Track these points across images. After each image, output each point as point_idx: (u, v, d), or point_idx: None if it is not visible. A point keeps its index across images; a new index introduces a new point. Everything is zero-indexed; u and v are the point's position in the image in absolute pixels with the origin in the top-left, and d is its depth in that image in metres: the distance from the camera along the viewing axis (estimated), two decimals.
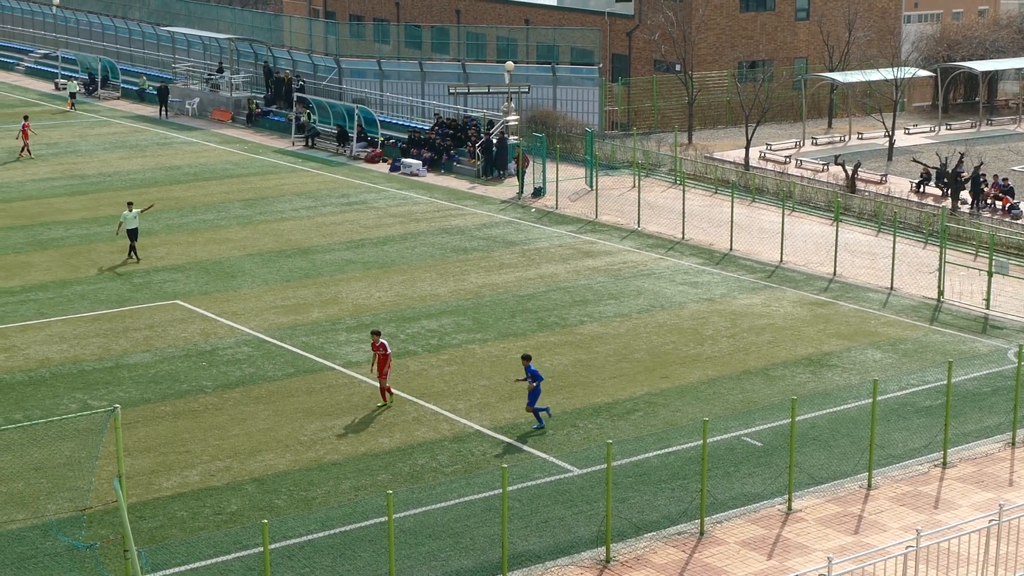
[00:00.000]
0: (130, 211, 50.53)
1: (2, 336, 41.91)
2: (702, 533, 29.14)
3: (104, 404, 35.50)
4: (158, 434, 34.20)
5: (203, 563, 27.55)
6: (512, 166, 65.45)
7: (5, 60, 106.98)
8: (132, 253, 50.43)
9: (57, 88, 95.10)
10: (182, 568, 27.39)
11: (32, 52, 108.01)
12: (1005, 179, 61.37)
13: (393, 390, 36.24)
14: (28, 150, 70.38)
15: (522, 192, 62.24)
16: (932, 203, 60.39)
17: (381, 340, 35.85)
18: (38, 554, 27.83)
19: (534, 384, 34.42)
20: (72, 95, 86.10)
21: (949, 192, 60.60)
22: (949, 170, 60.84)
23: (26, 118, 72.07)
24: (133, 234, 50.43)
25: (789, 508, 30.32)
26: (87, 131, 78.72)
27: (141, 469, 31.96)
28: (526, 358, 34.90)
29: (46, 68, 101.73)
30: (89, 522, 28.94)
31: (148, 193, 61.08)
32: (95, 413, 31.60)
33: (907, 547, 26.18)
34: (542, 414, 34.72)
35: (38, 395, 36.77)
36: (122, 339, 41.68)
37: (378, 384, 36.17)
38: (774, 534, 29.15)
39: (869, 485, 31.56)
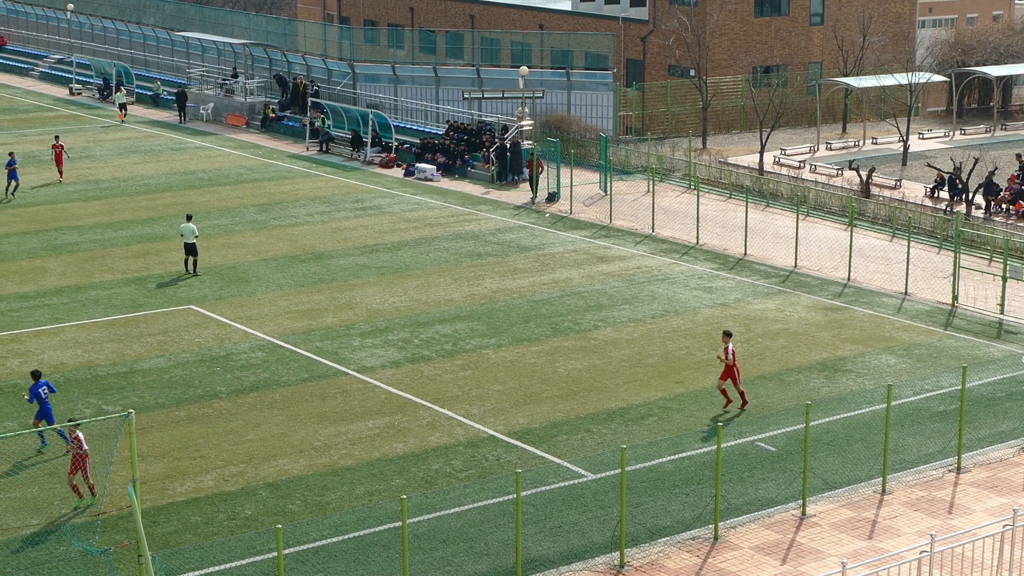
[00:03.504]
0: (188, 223, 50.10)
1: (17, 341, 42.01)
2: (716, 538, 29.12)
3: (118, 409, 35.56)
4: (172, 439, 34.25)
5: (217, 568, 27.59)
6: (526, 171, 65.42)
7: (20, 65, 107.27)
8: (187, 266, 49.73)
9: (72, 93, 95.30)
10: (196, 573, 27.42)
11: (46, 57, 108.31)
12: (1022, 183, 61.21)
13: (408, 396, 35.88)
14: (61, 173, 66.27)
15: (535, 197, 62.22)
16: (946, 208, 60.23)
17: None
18: (52, 559, 27.88)
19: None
20: (122, 106, 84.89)
21: (963, 197, 60.45)
22: (964, 176, 60.71)
23: (57, 138, 68.06)
24: (190, 249, 49.59)
25: (803, 513, 30.28)
26: (102, 136, 78.87)
27: (155, 474, 32.00)
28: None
29: (60, 73, 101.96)
30: (103, 527, 29.01)
31: (163, 198, 61.18)
32: (109, 418, 31.70)
33: (921, 552, 26.15)
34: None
35: (53, 400, 36.78)
36: (136, 344, 41.75)
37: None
38: (788, 539, 29.12)
39: (883, 490, 31.51)
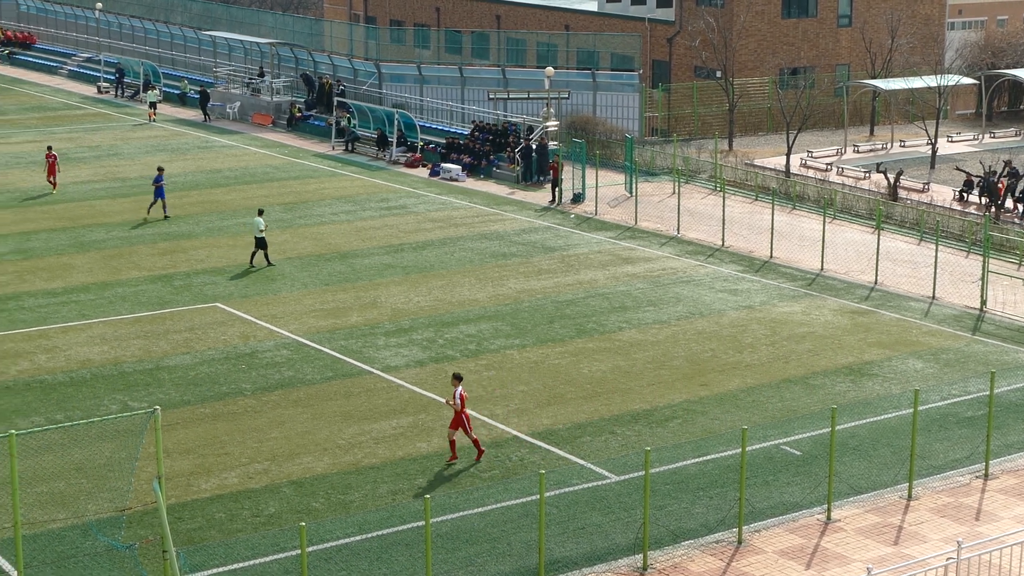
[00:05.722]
0: (259, 217, 50.62)
1: (44, 337, 42.15)
2: (740, 542, 29.02)
3: (144, 405, 35.65)
4: (197, 436, 34.32)
5: (241, 565, 27.61)
6: (551, 173, 65.38)
7: (49, 64, 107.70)
8: (262, 259, 50.42)
9: (100, 91, 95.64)
10: (220, 569, 27.46)
11: (75, 56, 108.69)
12: None
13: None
14: (53, 183, 63.47)
15: (558, 200, 62.08)
16: (975, 211, 60.00)
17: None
18: (78, 554, 27.95)
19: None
20: (152, 104, 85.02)
21: (991, 201, 60.21)
22: (993, 179, 60.46)
23: (50, 148, 65.04)
24: (260, 243, 50.27)
25: (828, 518, 30.16)
26: (128, 134, 79.10)
27: (180, 471, 32.06)
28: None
29: (89, 72, 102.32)
30: (128, 523, 29.06)
31: (189, 196, 61.33)
32: (135, 414, 31.78)
33: (948, 559, 26.03)
34: None
35: (79, 396, 36.96)
36: (162, 341, 41.85)
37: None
38: (813, 544, 29.01)
39: (909, 496, 31.36)
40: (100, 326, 43.36)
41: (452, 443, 32.67)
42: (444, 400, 34.41)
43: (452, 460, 32.72)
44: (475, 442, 32.83)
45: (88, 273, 49.55)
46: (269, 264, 50.59)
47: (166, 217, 57.81)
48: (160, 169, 58.87)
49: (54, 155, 63.59)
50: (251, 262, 50.52)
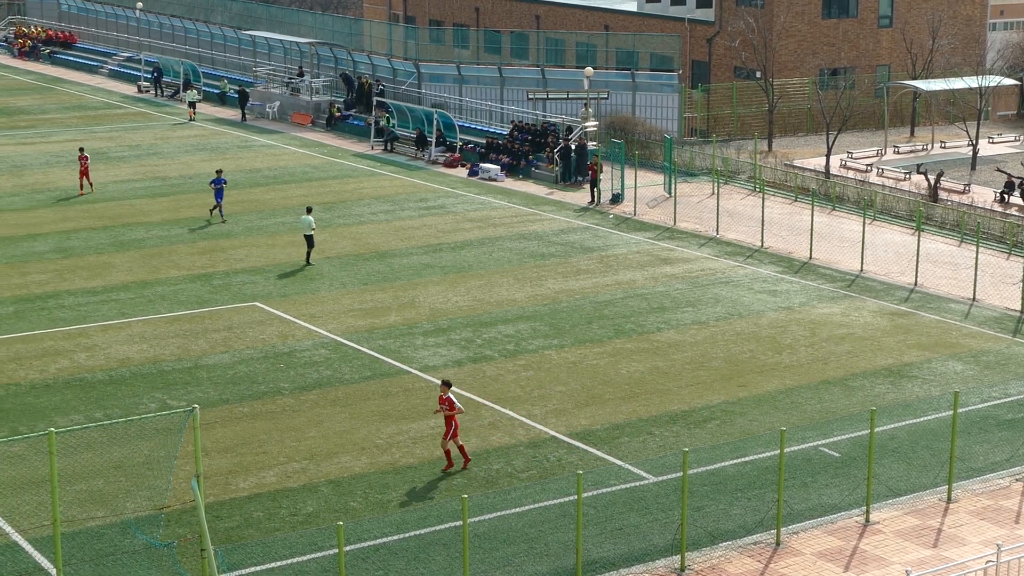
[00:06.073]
0: (307, 216, 50.95)
1: (84, 335, 42.37)
2: (778, 543, 28.92)
3: (183, 404, 35.79)
4: (236, 435, 34.42)
5: (279, 564, 27.68)
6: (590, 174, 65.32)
7: (90, 63, 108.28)
8: (308, 258, 50.87)
9: (140, 91, 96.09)
10: (258, 568, 27.53)
11: (115, 55, 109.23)
12: None
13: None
14: (90, 183, 63.30)
15: (597, 200, 61.98)
16: (1016, 213, 59.62)
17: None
18: (117, 551, 28.07)
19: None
20: (192, 104, 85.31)
21: None
22: None
23: (82, 149, 64.56)
24: (309, 240, 50.66)
25: (867, 520, 30.02)
26: (168, 134, 79.46)
27: (219, 469, 32.17)
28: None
29: (129, 71, 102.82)
30: (167, 521, 29.18)
31: (228, 196, 61.47)
32: (174, 413, 31.88)
33: (987, 562, 25.88)
34: None
35: (118, 394, 37.13)
36: (201, 340, 42.00)
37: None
38: (851, 546, 28.88)
39: (949, 498, 31.19)
40: (139, 325, 43.55)
41: (447, 452, 32.22)
42: (434, 411, 33.58)
43: (447, 468, 32.24)
44: (461, 449, 32.32)
45: (128, 272, 49.78)
46: (308, 263, 50.74)
47: (223, 221, 57.42)
48: (219, 171, 58.47)
49: (86, 156, 63.42)
50: (307, 260, 50.75)
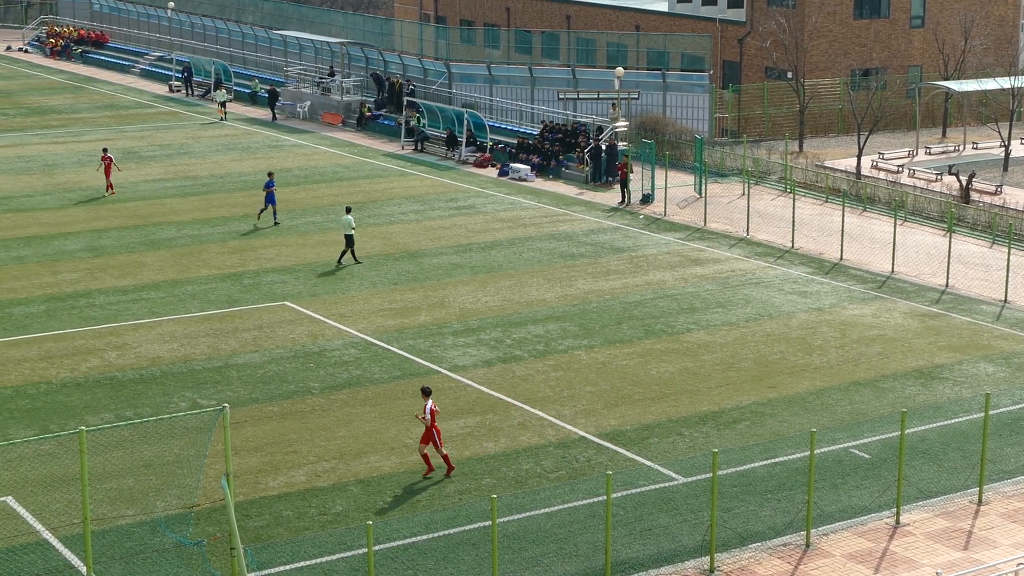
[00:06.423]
0: (348, 215, 51.11)
1: (115, 334, 42.53)
2: (808, 545, 28.84)
3: (213, 403, 35.91)
4: (265, 434, 34.50)
5: (308, 563, 27.73)
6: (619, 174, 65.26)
7: (121, 63, 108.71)
8: (350, 256, 50.91)
9: (171, 90, 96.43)
10: (287, 567, 27.58)
11: (147, 55, 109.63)
12: None
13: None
14: (111, 186, 62.99)
15: (627, 201, 61.90)
16: None
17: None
18: (146, 550, 28.16)
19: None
20: (222, 104, 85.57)
21: None
22: None
23: (105, 150, 64.31)
24: (348, 240, 50.78)
25: (897, 522, 29.91)
26: (199, 133, 79.71)
27: (248, 468, 32.24)
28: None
29: (161, 71, 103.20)
30: (197, 519, 29.26)
31: (258, 196, 61.62)
32: (204, 412, 31.97)
33: (1018, 564, 25.77)
34: None
35: (149, 393, 37.27)
36: (231, 339, 42.11)
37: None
38: (881, 548, 28.78)
39: (980, 500, 31.05)
40: (170, 324, 43.70)
41: (425, 456, 31.89)
42: (415, 415, 33.26)
43: (428, 472, 31.96)
44: (445, 458, 31.95)
45: (158, 271, 49.95)
46: (357, 262, 50.83)
47: (276, 223, 57.01)
48: (270, 174, 58.17)
49: (109, 157, 63.21)
50: (339, 260, 50.84)
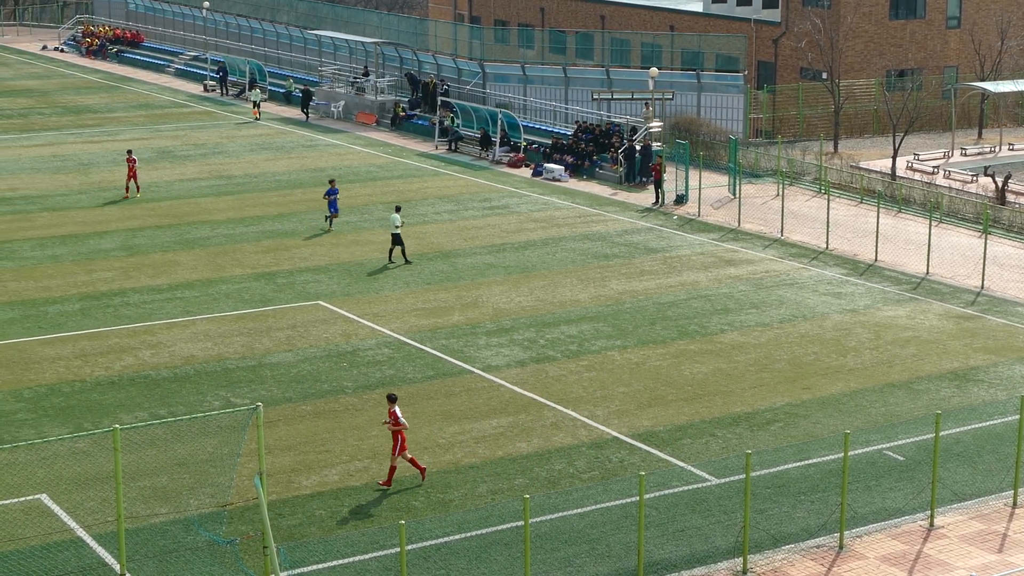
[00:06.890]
0: (396, 214, 51.19)
1: (149, 333, 42.69)
2: (841, 547, 28.74)
3: (246, 402, 36.00)
4: (299, 433, 34.57)
5: (340, 562, 27.78)
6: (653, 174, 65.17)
7: (156, 62, 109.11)
8: (399, 256, 50.90)
9: (206, 90, 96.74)
10: (320, 566, 27.64)
11: (182, 54, 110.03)
12: None
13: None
14: (137, 186, 62.53)
15: (661, 201, 61.79)
16: None
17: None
18: (180, 548, 28.26)
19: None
20: (256, 104, 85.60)
21: None
22: None
23: (130, 152, 63.79)
24: (396, 239, 50.77)
25: (931, 524, 29.78)
26: (234, 133, 79.95)
27: (281, 467, 32.32)
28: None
29: (195, 70, 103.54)
30: (230, 518, 29.34)
31: (292, 195, 61.84)
32: (238, 411, 32.07)
33: None
34: None
35: (183, 392, 37.39)
36: (265, 338, 42.22)
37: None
38: (915, 550, 28.65)
39: (1015, 503, 30.88)
40: (204, 323, 43.84)
41: (412, 460, 31.51)
42: (383, 422, 32.54)
43: (385, 484, 31.41)
44: (412, 461, 31.45)
45: (193, 270, 50.12)
46: (407, 262, 50.81)
47: (329, 229, 56.09)
48: (331, 181, 57.19)
49: (134, 159, 62.82)
50: (390, 258, 50.89)
